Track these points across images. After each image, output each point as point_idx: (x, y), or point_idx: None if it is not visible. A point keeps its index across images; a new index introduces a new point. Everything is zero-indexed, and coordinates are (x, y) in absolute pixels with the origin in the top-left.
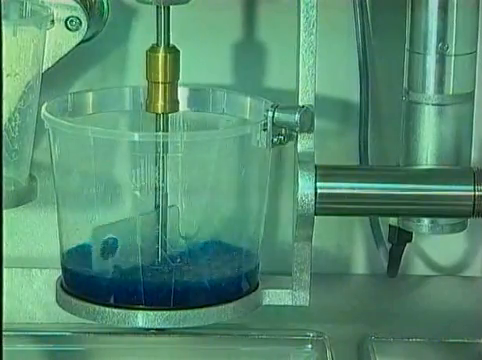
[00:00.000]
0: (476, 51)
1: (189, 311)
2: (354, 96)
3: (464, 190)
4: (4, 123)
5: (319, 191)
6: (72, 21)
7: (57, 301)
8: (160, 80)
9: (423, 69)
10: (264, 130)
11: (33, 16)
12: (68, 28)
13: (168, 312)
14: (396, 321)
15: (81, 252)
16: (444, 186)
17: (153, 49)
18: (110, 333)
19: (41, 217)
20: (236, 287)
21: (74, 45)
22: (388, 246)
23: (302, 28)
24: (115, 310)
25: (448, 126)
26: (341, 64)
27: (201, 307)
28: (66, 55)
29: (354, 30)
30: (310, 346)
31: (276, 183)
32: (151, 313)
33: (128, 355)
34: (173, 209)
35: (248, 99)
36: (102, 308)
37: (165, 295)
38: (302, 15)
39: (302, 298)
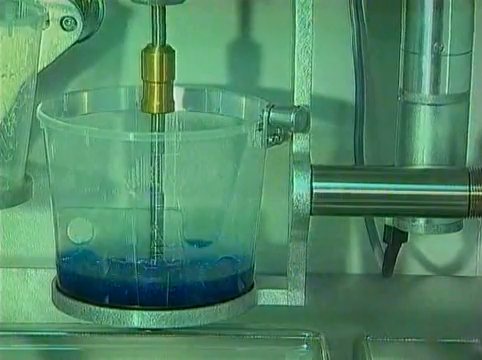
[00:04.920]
0: (471, 51)
1: (184, 311)
2: (349, 96)
3: (459, 190)
4: None
5: (315, 191)
6: (67, 21)
7: (53, 301)
8: (155, 80)
9: (418, 69)
10: (259, 130)
11: (28, 16)
12: (63, 28)
13: (163, 312)
14: (391, 321)
15: (76, 252)
16: (439, 186)
17: (148, 49)
18: (105, 333)
19: (36, 217)
20: (231, 287)
21: (69, 45)
22: (383, 246)
23: (297, 28)
24: (110, 310)
25: (443, 126)
26: (337, 64)
27: (196, 307)
28: (61, 55)
29: (349, 30)
30: (306, 346)
31: (271, 183)
32: (146, 313)
33: (123, 355)
34: (169, 209)
35: (243, 99)
36: (97, 308)
37: (160, 295)
38: (297, 15)
39: (297, 298)
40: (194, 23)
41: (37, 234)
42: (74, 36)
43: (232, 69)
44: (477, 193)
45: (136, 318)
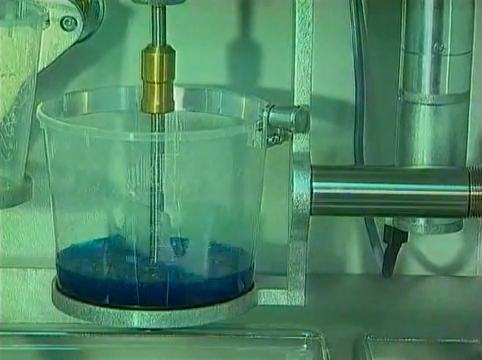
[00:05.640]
0: (471, 51)
1: (184, 311)
2: (349, 96)
3: (459, 190)
4: None
5: (315, 191)
6: (67, 21)
7: (53, 301)
8: (156, 80)
9: (418, 69)
10: (259, 130)
11: (28, 16)
12: (64, 28)
13: (163, 312)
14: (391, 321)
15: (76, 252)
16: (439, 186)
17: (149, 49)
18: (105, 333)
19: (36, 217)
20: (231, 287)
21: (69, 45)
22: (383, 246)
23: (297, 28)
24: (110, 310)
25: (443, 126)
26: (337, 64)
27: (196, 307)
28: (61, 55)
29: (350, 30)
30: (306, 346)
31: (271, 183)
32: (146, 313)
33: (123, 355)
34: (168, 210)
35: (243, 99)
36: (97, 308)
37: (160, 295)
38: (297, 15)
39: (297, 298)
40: (194, 23)
41: (37, 234)
42: (74, 36)
43: (232, 69)
44: (477, 193)
45: (136, 318)
